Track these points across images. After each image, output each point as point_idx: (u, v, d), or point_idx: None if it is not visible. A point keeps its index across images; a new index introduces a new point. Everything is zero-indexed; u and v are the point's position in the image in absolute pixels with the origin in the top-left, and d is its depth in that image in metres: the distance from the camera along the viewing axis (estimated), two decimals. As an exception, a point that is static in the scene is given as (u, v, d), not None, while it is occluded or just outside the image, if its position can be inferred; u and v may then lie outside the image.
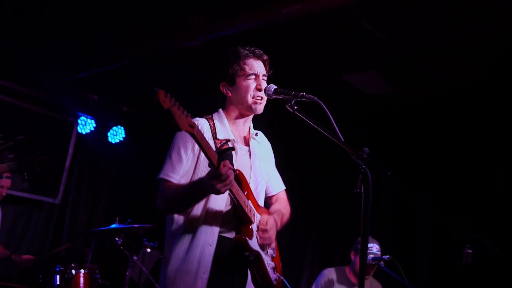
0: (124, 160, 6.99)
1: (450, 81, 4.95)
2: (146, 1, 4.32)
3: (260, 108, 2.67)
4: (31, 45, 5.37)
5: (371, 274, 4.47)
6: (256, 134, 2.79)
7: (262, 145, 2.84)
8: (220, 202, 2.50)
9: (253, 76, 2.66)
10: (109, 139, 6.76)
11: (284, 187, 3.02)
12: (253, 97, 2.64)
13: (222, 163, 2.15)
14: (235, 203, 2.43)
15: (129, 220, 5.08)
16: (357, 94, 5.53)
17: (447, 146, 5.51)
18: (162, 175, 2.52)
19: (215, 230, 2.47)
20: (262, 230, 2.53)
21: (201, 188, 2.29)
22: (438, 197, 5.47)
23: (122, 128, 6.82)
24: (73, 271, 4.45)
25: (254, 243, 2.47)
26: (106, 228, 4.87)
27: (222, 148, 2.20)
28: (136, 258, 4.86)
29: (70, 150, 6.44)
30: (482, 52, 4.39)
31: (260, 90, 2.63)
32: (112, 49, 5.23)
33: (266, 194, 2.89)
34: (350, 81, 5.34)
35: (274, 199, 2.95)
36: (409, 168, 5.69)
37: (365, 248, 2.23)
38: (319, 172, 6.58)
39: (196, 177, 2.52)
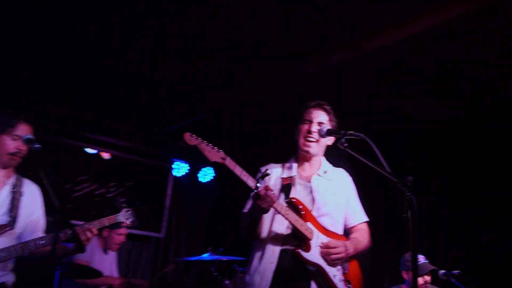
0: (215, 196, 7.31)
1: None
2: (220, 61, 4.61)
3: (309, 149, 2.86)
4: (133, 107, 5.91)
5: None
6: (325, 172, 2.93)
7: (333, 181, 2.94)
8: (280, 226, 2.75)
9: (308, 122, 2.87)
10: (199, 179, 7.14)
11: (366, 219, 3.04)
12: (303, 139, 2.86)
13: (261, 186, 2.49)
14: (289, 222, 2.66)
15: (221, 249, 5.29)
16: (417, 121, 5.44)
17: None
18: (244, 210, 2.88)
19: (276, 249, 2.71)
20: (326, 250, 2.68)
21: (252, 209, 2.66)
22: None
23: (211, 168, 7.17)
24: (176, 296, 4.73)
25: (312, 256, 2.64)
26: (199, 258, 5.14)
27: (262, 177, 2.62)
28: (228, 282, 5.05)
29: (169, 191, 6.95)
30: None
31: (309, 133, 2.83)
32: (195, 104, 5.62)
33: (346, 225, 2.99)
34: (409, 109, 5.28)
35: (353, 230, 3.00)
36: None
37: (416, 268, 2.25)
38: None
39: None
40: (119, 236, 5.01)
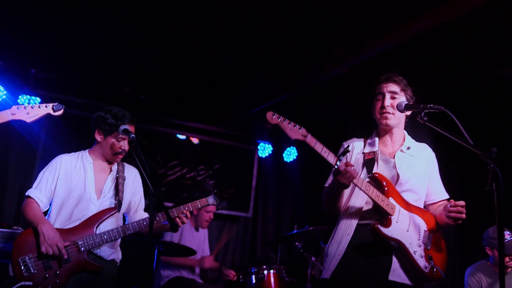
0: (299, 175, 7.42)
1: None
2: (300, 40, 4.65)
3: (386, 122, 2.83)
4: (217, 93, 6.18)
5: None
6: (408, 148, 2.89)
7: (416, 157, 2.91)
8: (358, 200, 2.81)
9: (380, 96, 2.85)
10: (285, 159, 7.29)
11: (447, 196, 2.97)
12: (379, 114, 2.85)
13: (341, 162, 2.54)
14: (368, 197, 2.69)
15: (306, 226, 5.41)
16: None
17: None
18: (326, 184, 2.97)
19: (354, 223, 2.78)
20: (457, 209, 2.65)
21: (332, 184, 2.76)
22: None
23: (294, 148, 7.28)
24: (265, 272, 4.93)
25: (391, 231, 2.66)
26: (287, 234, 5.29)
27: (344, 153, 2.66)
28: (314, 259, 5.18)
29: (255, 172, 7.21)
30: None
31: (383, 107, 2.82)
32: (276, 86, 5.73)
33: (427, 201, 2.96)
34: (502, 75, 4.94)
35: (435, 207, 2.97)
36: None
37: (502, 244, 2.20)
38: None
39: None
40: (208, 214, 5.35)
